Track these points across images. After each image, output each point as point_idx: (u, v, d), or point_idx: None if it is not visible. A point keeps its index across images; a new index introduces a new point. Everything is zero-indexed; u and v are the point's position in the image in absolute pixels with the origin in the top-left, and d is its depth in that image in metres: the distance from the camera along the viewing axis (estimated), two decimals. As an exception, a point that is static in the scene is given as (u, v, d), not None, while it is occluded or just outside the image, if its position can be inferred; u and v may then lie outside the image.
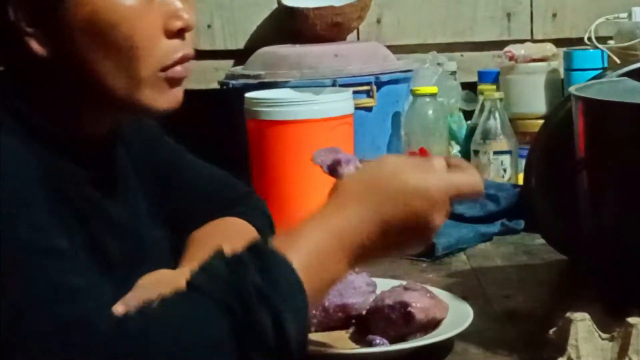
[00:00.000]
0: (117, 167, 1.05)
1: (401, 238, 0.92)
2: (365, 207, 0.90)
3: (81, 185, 0.96)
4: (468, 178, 0.96)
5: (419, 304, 1.09)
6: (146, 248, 1.06)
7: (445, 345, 1.08)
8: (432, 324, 1.09)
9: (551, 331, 1.01)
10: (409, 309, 1.08)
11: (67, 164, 0.95)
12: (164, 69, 0.97)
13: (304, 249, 0.86)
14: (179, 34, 0.98)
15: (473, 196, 0.97)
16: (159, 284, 1.00)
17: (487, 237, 1.57)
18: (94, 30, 0.93)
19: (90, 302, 0.77)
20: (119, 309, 0.94)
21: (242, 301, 0.79)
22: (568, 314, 0.99)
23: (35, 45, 0.93)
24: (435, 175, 0.93)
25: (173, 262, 1.10)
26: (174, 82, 0.99)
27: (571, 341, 0.97)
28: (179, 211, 1.18)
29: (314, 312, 1.13)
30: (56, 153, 0.95)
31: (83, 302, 0.77)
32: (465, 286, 1.32)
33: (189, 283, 0.82)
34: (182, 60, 0.98)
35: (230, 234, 1.18)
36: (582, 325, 0.97)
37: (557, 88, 2.09)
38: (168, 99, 0.99)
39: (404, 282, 1.17)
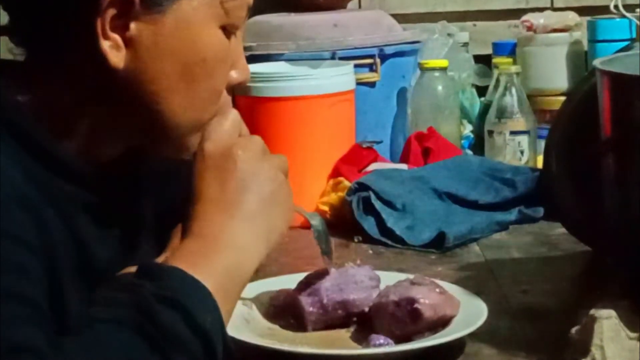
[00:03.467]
0: (129, 195, 1.05)
1: (268, 209, 0.96)
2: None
3: (78, 206, 0.95)
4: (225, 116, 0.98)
5: (428, 300, 1.09)
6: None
7: (456, 346, 1.08)
8: (442, 322, 1.10)
9: (573, 330, 1.01)
10: (416, 305, 1.08)
11: (65, 183, 0.93)
12: None
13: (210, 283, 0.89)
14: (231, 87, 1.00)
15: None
16: None
17: (502, 226, 1.57)
18: (184, 60, 0.93)
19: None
20: None
21: (143, 311, 0.83)
22: (592, 312, 0.99)
23: (113, 56, 0.91)
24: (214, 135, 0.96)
25: None
26: None
27: (595, 341, 0.97)
28: (178, 207, 1.18)
29: (310, 309, 1.13)
30: (52, 169, 0.92)
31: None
32: (478, 280, 1.33)
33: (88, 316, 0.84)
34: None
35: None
36: (607, 324, 0.97)
37: (580, 61, 2.09)
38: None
39: (410, 276, 1.17)
